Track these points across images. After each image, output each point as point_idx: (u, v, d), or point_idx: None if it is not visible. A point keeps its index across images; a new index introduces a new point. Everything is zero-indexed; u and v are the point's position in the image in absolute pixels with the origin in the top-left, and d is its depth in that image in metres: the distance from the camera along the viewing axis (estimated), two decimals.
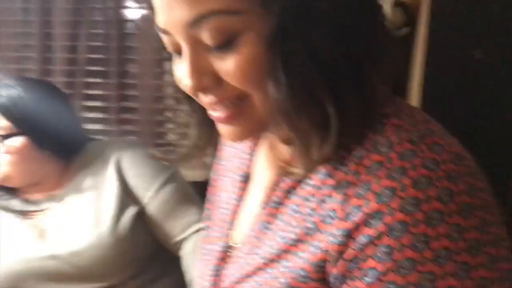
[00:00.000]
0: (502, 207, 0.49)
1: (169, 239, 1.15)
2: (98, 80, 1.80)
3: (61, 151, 1.16)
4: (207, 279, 0.63)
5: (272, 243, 0.52)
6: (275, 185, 0.56)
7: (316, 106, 0.46)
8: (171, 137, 1.78)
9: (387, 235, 0.43)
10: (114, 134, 1.77)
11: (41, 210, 1.15)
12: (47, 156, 1.14)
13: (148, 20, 1.73)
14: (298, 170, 0.51)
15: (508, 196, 1.03)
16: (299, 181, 0.52)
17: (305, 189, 0.51)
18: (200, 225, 1.14)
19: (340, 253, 0.45)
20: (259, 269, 0.53)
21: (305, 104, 0.46)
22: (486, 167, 0.49)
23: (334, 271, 0.46)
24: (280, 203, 0.53)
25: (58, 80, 1.75)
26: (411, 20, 1.66)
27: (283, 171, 0.55)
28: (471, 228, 0.43)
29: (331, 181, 0.48)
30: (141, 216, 1.14)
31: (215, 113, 0.51)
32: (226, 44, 0.46)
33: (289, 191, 0.53)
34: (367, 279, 0.44)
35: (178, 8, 0.45)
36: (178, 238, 1.15)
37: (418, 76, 1.51)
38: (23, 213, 1.15)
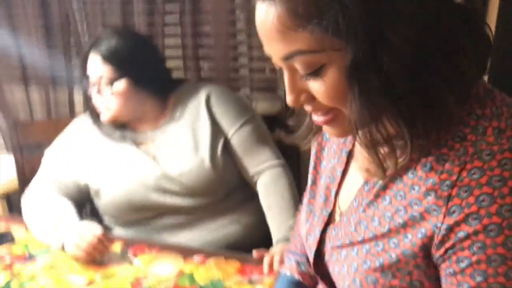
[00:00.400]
0: None
1: (246, 171, 1.37)
2: (175, 18, 1.89)
3: (158, 89, 1.36)
4: (313, 239, 0.76)
5: (380, 220, 0.62)
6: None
7: (388, 123, 0.55)
8: (244, 72, 1.87)
9: (483, 234, 0.51)
10: (190, 70, 1.89)
11: (150, 139, 1.37)
12: (146, 95, 1.34)
13: None
14: (379, 174, 0.60)
15: None
16: (403, 170, 0.60)
17: (411, 179, 0.59)
18: (273, 161, 1.35)
19: (442, 241, 0.55)
20: (368, 240, 0.63)
21: (376, 124, 0.54)
22: None
23: (436, 253, 0.56)
24: (385, 187, 0.62)
25: (140, 19, 1.88)
26: None
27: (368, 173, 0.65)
28: None
29: (435, 177, 0.56)
30: (227, 146, 1.35)
31: (316, 118, 0.61)
32: (314, 72, 0.55)
33: (394, 178, 0.61)
34: (462, 265, 0.53)
35: (274, 45, 0.55)
36: (254, 171, 1.36)
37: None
38: (136, 143, 1.37)
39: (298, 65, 0.56)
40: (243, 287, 1.07)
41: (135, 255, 1.22)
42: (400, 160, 0.58)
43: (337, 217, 0.73)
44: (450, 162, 0.55)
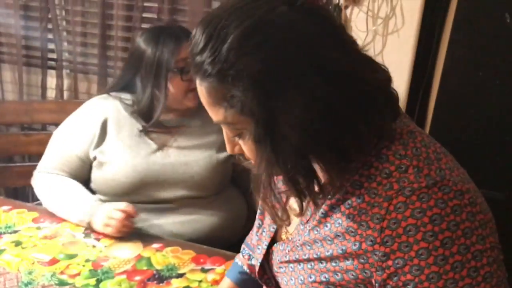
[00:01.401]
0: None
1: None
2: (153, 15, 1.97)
3: None
4: (260, 251, 0.86)
5: (323, 244, 0.71)
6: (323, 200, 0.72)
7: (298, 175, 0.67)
8: None
9: (417, 258, 0.62)
10: None
11: (175, 127, 1.47)
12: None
13: None
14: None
15: None
16: (341, 202, 0.70)
17: (347, 209, 0.69)
18: None
19: (382, 267, 0.65)
20: (313, 259, 0.73)
21: (286, 174, 0.67)
22: None
23: (378, 278, 0.66)
24: (326, 214, 0.72)
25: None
26: None
27: None
28: (474, 244, 0.62)
29: (368, 209, 0.66)
30: None
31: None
32: (237, 136, 0.71)
33: (333, 207, 0.71)
34: (411, 285, 0.63)
35: (208, 111, 0.71)
36: None
37: (449, 30, 1.58)
38: (167, 129, 1.46)
39: (225, 129, 0.72)
40: (195, 274, 1.17)
41: (97, 238, 1.30)
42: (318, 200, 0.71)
43: (283, 235, 0.83)
44: (379, 196, 0.65)
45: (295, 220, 0.80)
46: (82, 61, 2.15)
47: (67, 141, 1.47)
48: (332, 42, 0.64)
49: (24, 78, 2.25)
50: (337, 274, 0.69)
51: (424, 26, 1.65)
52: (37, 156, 1.55)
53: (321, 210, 0.72)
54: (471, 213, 0.63)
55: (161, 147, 1.44)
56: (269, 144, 0.64)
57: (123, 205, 1.29)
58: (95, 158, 1.44)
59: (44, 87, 2.24)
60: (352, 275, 0.68)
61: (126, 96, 1.47)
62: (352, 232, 0.67)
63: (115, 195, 1.41)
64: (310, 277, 0.73)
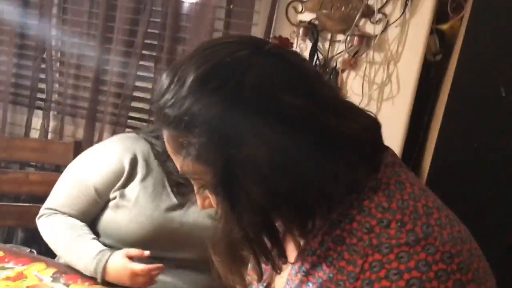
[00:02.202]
0: None
1: None
2: (151, 64, 1.97)
3: None
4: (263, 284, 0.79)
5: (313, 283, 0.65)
6: (304, 257, 0.66)
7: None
8: None
9: None
10: None
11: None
12: None
13: (201, 14, 1.89)
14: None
15: None
16: (323, 259, 0.63)
17: (328, 267, 0.62)
18: None
19: None
20: None
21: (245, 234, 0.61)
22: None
23: None
24: (308, 273, 0.65)
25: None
26: (447, 47, 1.75)
27: None
28: None
29: (345, 267, 0.59)
30: None
31: None
32: (203, 187, 0.67)
33: (315, 264, 0.64)
34: None
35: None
36: None
37: (444, 101, 1.60)
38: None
39: (191, 180, 0.68)
40: None
41: (67, 284, 1.19)
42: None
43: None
44: (356, 253, 0.58)
45: (282, 279, 0.73)
46: (72, 103, 2.11)
47: (87, 171, 1.34)
48: (298, 89, 0.60)
49: (9, 116, 2.19)
50: None
51: (419, 95, 1.67)
52: (7, 197, 1.46)
53: (303, 268, 0.66)
54: (460, 282, 0.54)
55: (181, 204, 1.34)
56: (226, 197, 0.60)
57: (140, 266, 1.18)
58: (114, 198, 1.32)
59: (28, 127, 2.18)
60: None
61: (157, 142, 1.37)
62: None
63: (121, 242, 1.30)
64: None
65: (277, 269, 0.65)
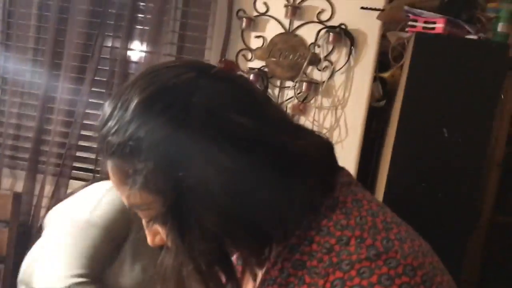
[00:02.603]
0: None
1: None
2: (97, 112, 1.92)
3: None
4: None
5: None
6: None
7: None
8: None
9: None
10: None
11: None
12: None
13: (151, 63, 1.88)
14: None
15: None
16: (284, 286, 0.60)
17: None
18: None
19: None
20: None
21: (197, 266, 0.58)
22: None
23: None
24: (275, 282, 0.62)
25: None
26: (389, 94, 1.84)
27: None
28: None
29: None
30: None
31: None
32: (153, 220, 0.61)
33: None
34: None
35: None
36: None
37: (391, 144, 1.65)
38: None
39: (139, 214, 0.63)
40: None
41: None
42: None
43: None
44: (317, 275, 0.56)
45: None
46: (11, 154, 2.00)
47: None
48: (246, 109, 0.59)
49: None
50: None
51: (366, 137, 1.73)
52: None
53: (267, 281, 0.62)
54: None
55: None
56: (176, 226, 0.57)
57: None
58: None
59: None
60: None
61: None
62: None
63: None
64: None
65: None
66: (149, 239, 0.66)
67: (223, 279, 0.61)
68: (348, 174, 0.66)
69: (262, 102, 0.62)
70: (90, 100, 1.90)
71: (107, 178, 1.31)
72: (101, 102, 1.91)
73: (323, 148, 0.64)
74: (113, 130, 0.58)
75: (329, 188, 0.62)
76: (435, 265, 0.57)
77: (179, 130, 0.55)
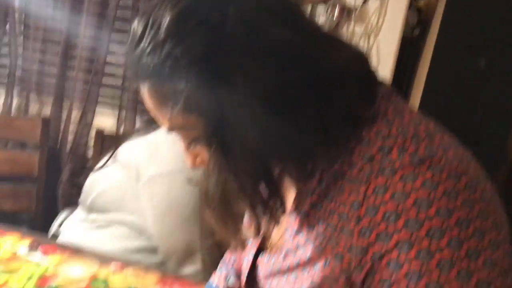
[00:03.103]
0: None
1: None
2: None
3: None
4: (247, 263, 0.75)
5: (305, 247, 0.62)
6: (302, 199, 0.63)
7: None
8: None
9: (396, 250, 0.51)
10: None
11: None
12: None
13: None
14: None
15: None
16: (323, 197, 0.60)
17: (328, 203, 0.60)
18: None
19: (360, 265, 0.54)
20: (294, 267, 0.63)
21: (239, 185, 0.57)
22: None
23: (357, 278, 0.55)
24: (307, 214, 0.62)
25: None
26: (424, 22, 1.77)
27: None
28: (469, 238, 0.50)
29: (346, 199, 0.56)
30: None
31: None
32: (194, 142, 0.61)
33: (315, 205, 0.62)
34: (385, 286, 0.53)
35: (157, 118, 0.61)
36: None
37: (423, 75, 1.61)
38: None
39: (180, 138, 0.62)
40: None
41: (44, 255, 1.11)
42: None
43: (268, 246, 0.73)
44: (358, 183, 0.55)
45: (280, 227, 0.70)
46: (37, 80, 2.00)
47: None
48: (284, 20, 0.56)
49: None
50: (314, 280, 0.59)
51: (397, 68, 1.68)
52: None
53: (303, 211, 0.63)
54: (469, 201, 0.52)
55: None
56: (220, 146, 0.55)
57: None
58: None
59: (9, 107, 2.04)
60: (331, 279, 0.57)
61: None
62: (332, 227, 0.58)
63: None
64: None
65: (275, 220, 0.61)
66: (189, 162, 0.64)
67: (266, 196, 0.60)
68: (388, 86, 0.64)
69: (298, 14, 0.59)
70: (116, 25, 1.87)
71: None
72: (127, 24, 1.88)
73: (362, 59, 0.62)
74: (148, 50, 0.55)
75: (370, 99, 0.60)
76: (478, 173, 0.56)
77: (217, 45, 0.53)
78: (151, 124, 1.19)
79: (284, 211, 0.61)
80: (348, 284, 0.56)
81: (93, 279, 1.04)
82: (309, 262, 0.60)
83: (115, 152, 1.22)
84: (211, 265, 1.18)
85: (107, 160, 1.21)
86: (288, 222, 0.66)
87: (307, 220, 0.62)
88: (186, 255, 1.17)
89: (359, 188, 0.55)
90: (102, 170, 1.24)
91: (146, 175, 1.18)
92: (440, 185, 0.51)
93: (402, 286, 0.51)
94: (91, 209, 1.27)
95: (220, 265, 0.94)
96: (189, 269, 1.17)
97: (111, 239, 1.23)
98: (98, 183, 1.25)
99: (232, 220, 0.61)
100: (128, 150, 1.22)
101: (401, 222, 0.51)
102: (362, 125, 0.58)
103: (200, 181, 0.63)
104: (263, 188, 0.58)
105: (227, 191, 0.58)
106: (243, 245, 0.66)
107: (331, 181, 0.59)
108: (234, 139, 0.54)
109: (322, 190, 0.60)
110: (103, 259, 1.12)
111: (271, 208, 0.59)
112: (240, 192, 0.57)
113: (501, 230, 0.54)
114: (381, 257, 0.52)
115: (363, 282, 0.55)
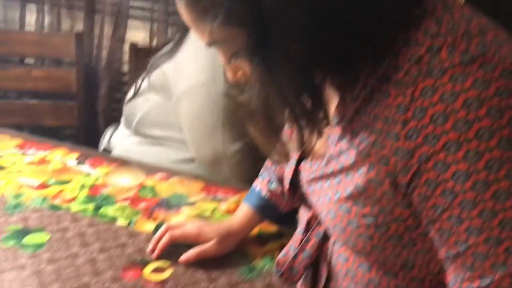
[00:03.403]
0: None
1: None
2: None
3: None
4: (289, 169, 0.75)
5: (348, 153, 0.61)
6: (345, 106, 0.62)
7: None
8: None
9: (443, 151, 0.50)
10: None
11: None
12: None
13: None
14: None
15: None
16: (367, 102, 0.58)
17: (373, 108, 0.58)
18: None
19: (406, 167, 0.53)
20: (338, 172, 0.63)
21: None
22: None
23: (403, 180, 0.54)
24: (351, 120, 0.61)
25: None
26: None
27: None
28: None
29: (392, 102, 0.55)
30: None
31: None
32: (234, 56, 0.59)
33: (359, 110, 0.60)
34: (430, 187, 0.52)
35: (195, 33, 0.60)
36: None
37: None
38: None
39: (219, 52, 0.61)
40: (207, 203, 1.05)
41: (93, 166, 1.16)
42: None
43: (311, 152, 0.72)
44: (405, 85, 0.53)
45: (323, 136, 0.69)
46: None
47: None
48: None
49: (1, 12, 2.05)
50: (359, 184, 0.59)
51: None
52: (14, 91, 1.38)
53: (347, 117, 0.61)
54: None
55: None
56: (262, 58, 0.53)
57: None
58: None
59: (22, 23, 2.04)
60: (376, 182, 0.57)
61: None
62: (376, 132, 0.56)
63: None
64: (337, 194, 0.63)
65: (319, 132, 0.60)
66: (229, 76, 0.64)
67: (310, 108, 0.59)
68: None
69: None
70: None
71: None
72: None
73: None
74: None
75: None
76: None
77: None
78: (182, 41, 1.20)
79: (328, 124, 0.60)
80: (393, 186, 0.56)
81: (141, 187, 1.09)
82: (353, 166, 0.60)
83: (148, 72, 1.24)
84: (239, 173, 1.23)
85: (141, 82, 1.24)
86: (331, 129, 0.65)
87: (350, 126, 0.61)
88: (214, 165, 1.22)
89: (406, 91, 0.53)
90: (140, 96, 1.26)
91: (176, 93, 1.20)
92: (492, 84, 0.49)
93: (448, 187, 0.51)
94: (137, 131, 1.30)
95: (262, 170, 0.96)
96: (219, 178, 1.21)
97: (158, 153, 1.26)
98: (138, 107, 1.28)
99: (276, 133, 0.61)
100: (159, 72, 1.23)
101: (449, 124, 0.50)
102: (408, 26, 0.55)
103: (233, 94, 0.62)
104: (306, 100, 0.57)
105: (270, 104, 0.57)
106: (286, 157, 0.66)
107: (376, 86, 0.57)
108: (277, 51, 0.53)
109: (367, 95, 0.58)
110: (149, 169, 1.16)
111: (314, 120, 0.58)
112: (283, 104, 0.56)
113: None
114: (428, 159, 0.51)
115: (409, 184, 0.54)
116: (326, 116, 0.58)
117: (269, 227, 0.98)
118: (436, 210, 0.53)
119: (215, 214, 1.02)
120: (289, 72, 0.54)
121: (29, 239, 0.90)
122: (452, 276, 0.55)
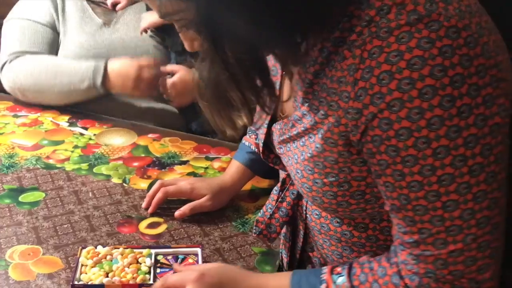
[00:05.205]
0: None
1: None
2: None
3: None
4: (262, 131, 0.76)
5: (310, 114, 0.62)
6: (306, 70, 0.62)
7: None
8: None
9: (387, 111, 0.51)
10: None
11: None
12: None
13: None
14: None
15: None
16: (325, 65, 0.59)
17: (330, 71, 0.58)
18: None
19: (355, 126, 0.55)
20: (302, 133, 0.64)
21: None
22: None
23: (354, 139, 0.56)
24: (312, 83, 0.61)
25: None
26: None
27: None
28: (463, 96, 0.50)
29: (344, 64, 0.55)
30: None
31: None
32: (185, 28, 0.61)
33: (318, 73, 0.60)
34: (376, 144, 0.54)
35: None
36: None
37: None
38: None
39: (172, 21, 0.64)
40: (200, 161, 1.07)
41: (85, 127, 1.17)
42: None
43: (281, 113, 0.73)
44: (356, 47, 0.54)
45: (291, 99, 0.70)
46: None
47: (32, 14, 1.30)
48: None
49: None
50: (317, 145, 0.61)
51: None
52: None
53: (307, 80, 0.62)
54: (467, 56, 0.50)
55: (106, 23, 1.33)
56: (209, 34, 0.54)
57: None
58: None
59: None
60: (332, 142, 0.59)
61: None
62: (332, 93, 0.58)
63: None
64: (302, 155, 0.64)
65: (267, 109, 0.62)
66: (186, 45, 0.67)
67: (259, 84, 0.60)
68: None
69: None
70: None
71: None
72: None
73: None
74: None
75: None
76: (482, 25, 0.53)
77: None
78: None
79: (275, 100, 0.62)
80: (347, 146, 0.58)
81: (134, 147, 1.10)
82: (314, 128, 0.62)
83: None
84: None
85: None
86: (295, 91, 0.66)
87: (311, 89, 0.62)
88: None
89: (356, 52, 0.54)
90: None
91: None
92: (437, 43, 0.49)
93: (392, 143, 0.53)
94: None
95: (249, 128, 0.97)
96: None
97: None
98: None
99: (226, 110, 0.61)
100: None
101: (394, 83, 0.51)
102: None
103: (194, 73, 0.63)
104: (254, 75, 0.58)
105: (219, 81, 0.58)
106: (237, 133, 0.67)
107: (332, 49, 0.58)
108: (223, 27, 0.53)
109: (324, 59, 0.59)
110: (141, 130, 1.17)
111: (263, 96, 0.60)
112: (231, 81, 0.57)
113: (499, 84, 0.52)
114: (374, 117, 0.53)
115: (359, 142, 0.56)
116: (273, 93, 0.60)
117: (261, 182, 1.00)
118: (381, 165, 0.55)
119: (208, 171, 1.04)
120: (234, 48, 0.54)
121: (25, 197, 0.91)
122: (396, 228, 0.58)
